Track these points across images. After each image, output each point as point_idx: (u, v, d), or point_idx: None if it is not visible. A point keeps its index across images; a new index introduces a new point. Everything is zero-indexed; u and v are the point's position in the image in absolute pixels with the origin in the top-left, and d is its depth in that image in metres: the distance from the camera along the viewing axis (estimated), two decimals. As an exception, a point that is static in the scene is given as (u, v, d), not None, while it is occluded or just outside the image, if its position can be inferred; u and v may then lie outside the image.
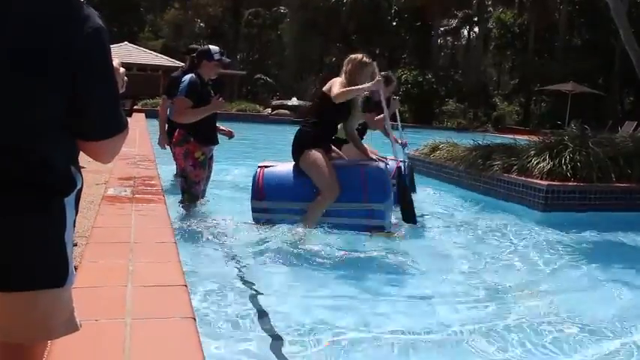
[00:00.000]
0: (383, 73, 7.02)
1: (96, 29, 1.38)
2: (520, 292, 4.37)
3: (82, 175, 1.54)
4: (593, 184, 7.76)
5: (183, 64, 7.56)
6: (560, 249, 5.85)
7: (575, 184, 7.69)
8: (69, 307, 1.53)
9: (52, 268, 1.44)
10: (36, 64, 1.32)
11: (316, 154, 5.33)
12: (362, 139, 6.85)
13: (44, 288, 1.42)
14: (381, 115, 6.60)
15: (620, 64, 31.26)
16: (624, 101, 38.18)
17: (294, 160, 5.48)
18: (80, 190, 1.56)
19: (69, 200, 1.46)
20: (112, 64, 1.47)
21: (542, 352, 3.33)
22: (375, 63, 5.57)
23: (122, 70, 1.79)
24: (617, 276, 4.98)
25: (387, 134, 6.44)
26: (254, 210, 5.61)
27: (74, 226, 1.54)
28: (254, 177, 5.59)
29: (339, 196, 5.27)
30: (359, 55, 5.60)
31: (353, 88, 5.22)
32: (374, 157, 5.79)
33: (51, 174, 1.41)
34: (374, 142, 6.47)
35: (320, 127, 5.44)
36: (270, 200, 5.52)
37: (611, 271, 5.11)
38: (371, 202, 5.35)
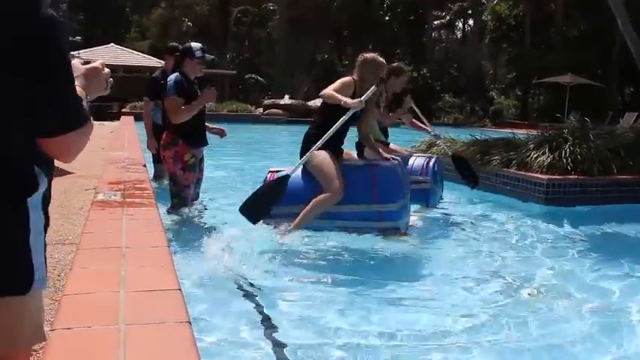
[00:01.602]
0: (394, 64, 7.09)
1: (49, 17, 1.35)
2: (524, 288, 4.39)
3: (48, 178, 1.51)
4: (594, 177, 7.80)
5: (169, 64, 7.55)
6: (563, 243, 5.89)
7: (575, 177, 7.72)
8: (36, 315, 1.48)
9: (10, 274, 1.38)
10: None
11: (321, 155, 5.32)
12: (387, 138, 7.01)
13: (2, 295, 1.38)
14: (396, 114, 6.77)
15: (619, 55, 31.34)
16: (624, 92, 38.28)
17: None
18: (48, 193, 1.53)
19: (33, 202, 1.42)
20: (68, 56, 1.43)
21: (549, 346, 3.34)
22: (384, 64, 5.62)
23: (107, 70, 1.79)
24: (622, 269, 5.01)
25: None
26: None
27: (45, 231, 1.51)
28: (264, 182, 5.59)
29: (347, 198, 5.21)
30: (371, 55, 5.62)
31: (337, 96, 5.17)
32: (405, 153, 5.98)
33: (8, 172, 1.36)
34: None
35: (324, 128, 5.33)
36: (279, 206, 5.40)
37: (616, 264, 5.13)
38: (381, 202, 5.30)
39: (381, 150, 5.80)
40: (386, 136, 7.04)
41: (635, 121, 17.48)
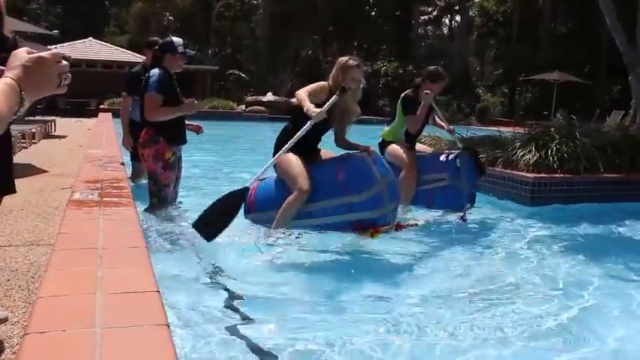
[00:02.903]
0: (432, 68, 7.05)
1: None
2: (510, 288, 4.41)
3: None
4: (580, 176, 7.87)
5: (148, 59, 7.51)
6: (548, 242, 5.94)
7: (562, 175, 7.79)
8: None
9: None
10: None
11: (287, 157, 5.34)
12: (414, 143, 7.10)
13: None
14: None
15: (607, 52, 31.65)
16: (611, 90, 38.61)
17: None
18: None
19: None
20: None
21: (536, 346, 3.37)
22: (359, 66, 5.51)
23: (63, 63, 1.57)
24: (608, 268, 5.06)
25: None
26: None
27: None
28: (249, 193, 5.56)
29: (316, 195, 5.22)
30: (344, 58, 5.58)
31: (304, 101, 5.18)
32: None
33: None
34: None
35: (294, 132, 5.36)
36: (256, 212, 5.60)
37: (602, 262, 5.18)
38: (348, 194, 5.23)
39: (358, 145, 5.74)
40: (414, 143, 7.11)
41: (621, 119, 17.63)
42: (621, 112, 21.96)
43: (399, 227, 5.45)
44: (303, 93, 5.31)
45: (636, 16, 12.60)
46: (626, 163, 8.27)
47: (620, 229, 6.67)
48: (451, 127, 7.20)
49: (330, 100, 5.22)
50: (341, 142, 5.77)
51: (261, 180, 5.67)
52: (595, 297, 4.30)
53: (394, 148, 6.90)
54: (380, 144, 7.07)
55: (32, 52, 1.52)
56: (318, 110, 5.08)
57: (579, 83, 30.28)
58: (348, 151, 5.65)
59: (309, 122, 5.16)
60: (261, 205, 5.61)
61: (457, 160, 6.72)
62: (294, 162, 5.31)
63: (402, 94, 7.00)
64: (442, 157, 6.84)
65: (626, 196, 8.07)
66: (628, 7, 15.34)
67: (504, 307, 3.98)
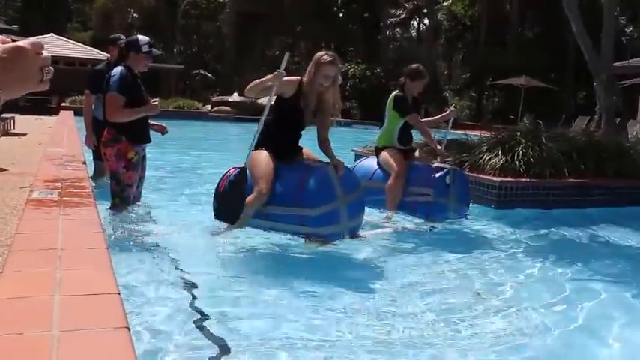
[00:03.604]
0: (413, 65, 7.08)
1: None
2: (473, 293, 4.45)
3: None
4: (546, 180, 7.99)
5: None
6: (513, 246, 6.00)
7: (528, 180, 7.89)
8: None
9: None
10: None
11: (258, 155, 5.35)
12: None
13: None
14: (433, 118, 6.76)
15: (573, 58, 32.25)
16: (577, 95, 39.33)
17: None
18: None
19: None
20: None
21: (496, 350, 3.41)
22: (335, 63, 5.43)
23: (44, 55, 1.34)
24: (572, 273, 5.12)
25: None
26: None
27: None
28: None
29: (274, 198, 5.25)
30: (320, 53, 5.55)
31: (257, 81, 5.24)
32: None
33: None
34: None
35: (268, 128, 5.41)
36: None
37: (566, 268, 5.25)
38: (303, 206, 5.26)
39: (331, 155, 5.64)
40: (408, 140, 7.15)
41: (586, 125, 17.97)
42: (586, 118, 22.39)
43: (354, 237, 5.50)
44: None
45: (602, 23, 12.84)
46: (591, 168, 8.42)
47: (584, 235, 6.77)
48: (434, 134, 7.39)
49: (274, 73, 5.17)
50: (322, 143, 5.67)
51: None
52: (557, 302, 4.36)
53: (385, 155, 6.92)
54: (375, 150, 7.17)
55: (7, 42, 1.31)
56: (275, 73, 5.13)
57: (546, 88, 30.78)
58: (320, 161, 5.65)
59: (266, 105, 5.28)
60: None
61: (447, 177, 6.68)
62: (262, 162, 5.31)
63: (392, 94, 7.05)
64: (437, 175, 6.73)
65: (590, 201, 8.22)
66: (594, 14, 15.66)
67: (461, 312, 3.98)
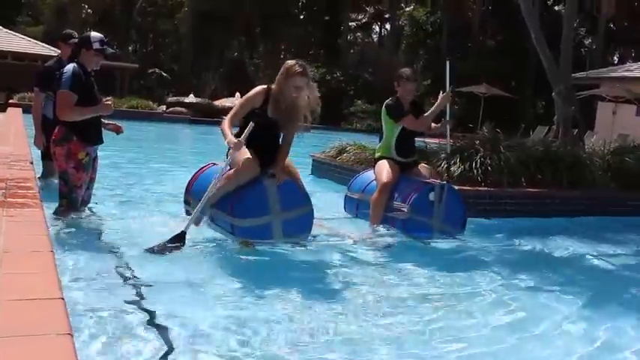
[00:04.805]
0: (403, 69, 7.00)
1: None
2: (424, 302, 4.47)
3: None
4: (503, 189, 8.11)
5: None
6: (469, 256, 6.07)
7: (486, 188, 8.00)
8: None
9: None
10: None
11: (243, 150, 5.44)
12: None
13: None
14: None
15: (533, 68, 32.87)
16: (537, 105, 40.08)
17: None
18: None
19: None
20: None
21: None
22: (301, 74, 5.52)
23: None
24: (528, 282, 5.20)
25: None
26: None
27: None
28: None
29: (218, 202, 5.41)
30: (290, 62, 5.65)
31: (225, 129, 5.47)
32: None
33: None
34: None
35: (240, 132, 5.54)
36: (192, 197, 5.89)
37: (522, 277, 5.31)
38: (233, 215, 5.38)
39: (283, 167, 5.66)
40: (408, 152, 6.92)
41: (545, 134, 18.32)
42: (546, 128, 22.84)
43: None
44: (233, 109, 5.69)
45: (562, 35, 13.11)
46: (548, 178, 8.58)
47: (540, 244, 6.87)
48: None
49: (246, 131, 5.36)
50: (282, 146, 5.72)
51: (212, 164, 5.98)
52: (513, 312, 4.41)
53: (378, 165, 6.75)
54: (373, 161, 7.02)
55: None
56: (235, 141, 5.32)
57: (506, 97, 31.29)
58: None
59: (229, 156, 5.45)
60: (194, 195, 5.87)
61: (431, 193, 6.39)
62: (239, 154, 5.40)
63: (384, 104, 6.94)
64: (417, 191, 6.43)
65: (546, 211, 8.37)
66: (554, 25, 15.99)
67: (414, 324, 3.99)
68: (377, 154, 6.97)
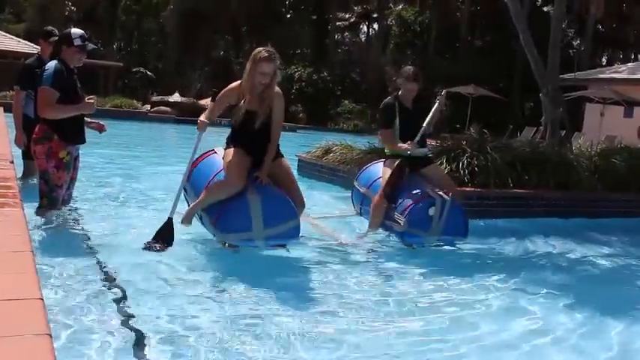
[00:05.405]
0: (405, 68, 6.83)
1: None
2: (408, 304, 4.49)
3: None
4: (490, 190, 8.14)
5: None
6: (455, 257, 6.09)
7: (473, 189, 8.03)
8: None
9: None
10: None
11: (229, 151, 5.46)
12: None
13: None
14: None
15: (521, 69, 33.02)
16: (524, 106, 40.25)
17: None
18: None
19: None
20: None
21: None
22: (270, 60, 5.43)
23: None
24: (514, 284, 5.23)
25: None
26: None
27: None
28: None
29: (208, 208, 5.41)
30: (258, 49, 5.55)
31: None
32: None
33: None
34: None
35: (232, 130, 5.65)
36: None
37: (508, 279, 5.35)
38: (216, 227, 5.39)
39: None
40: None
41: (533, 135, 18.42)
42: (533, 129, 22.94)
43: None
44: (209, 106, 5.76)
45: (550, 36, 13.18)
46: (534, 179, 8.62)
47: (526, 245, 6.93)
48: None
49: (209, 108, 5.59)
50: (268, 148, 5.54)
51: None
52: (500, 315, 4.45)
53: (386, 165, 6.48)
54: (385, 156, 6.71)
55: None
56: (199, 120, 5.52)
57: (494, 98, 31.40)
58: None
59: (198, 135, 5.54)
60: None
61: (431, 208, 6.08)
62: (232, 156, 5.41)
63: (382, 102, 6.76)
64: (417, 204, 6.10)
65: (533, 212, 8.41)
66: (542, 27, 16.07)
67: (397, 327, 4.01)
68: (387, 151, 6.67)
